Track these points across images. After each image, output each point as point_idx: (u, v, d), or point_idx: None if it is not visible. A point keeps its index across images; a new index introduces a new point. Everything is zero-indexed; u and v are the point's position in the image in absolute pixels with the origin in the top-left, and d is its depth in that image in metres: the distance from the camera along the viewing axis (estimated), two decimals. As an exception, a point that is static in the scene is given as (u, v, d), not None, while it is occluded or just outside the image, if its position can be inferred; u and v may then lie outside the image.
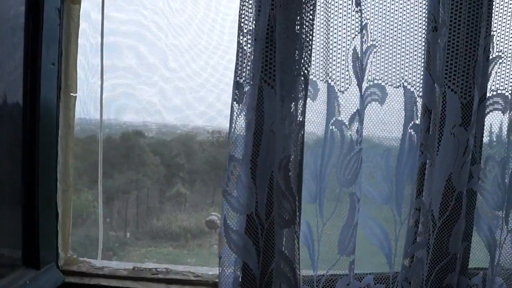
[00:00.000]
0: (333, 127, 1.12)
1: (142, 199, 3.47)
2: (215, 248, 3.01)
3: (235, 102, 1.05)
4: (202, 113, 2.99)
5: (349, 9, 1.06)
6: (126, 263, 1.27)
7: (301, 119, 1.05)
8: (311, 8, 1.04)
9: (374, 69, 1.13)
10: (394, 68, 1.14)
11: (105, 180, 3.12)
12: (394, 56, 1.14)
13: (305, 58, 1.04)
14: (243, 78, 1.04)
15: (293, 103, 1.04)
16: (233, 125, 1.05)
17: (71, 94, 1.20)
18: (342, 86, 1.09)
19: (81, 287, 1.18)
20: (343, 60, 1.11)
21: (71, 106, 1.21)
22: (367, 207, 1.16)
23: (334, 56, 1.09)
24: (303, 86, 1.05)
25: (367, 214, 1.17)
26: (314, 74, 1.09)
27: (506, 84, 1.18)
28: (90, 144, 3.15)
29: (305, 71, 1.06)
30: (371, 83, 1.15)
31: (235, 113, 1.04)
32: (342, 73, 1.09)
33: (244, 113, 1.04)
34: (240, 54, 1.04)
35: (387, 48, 1.13)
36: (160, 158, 3.48)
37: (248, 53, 1.04)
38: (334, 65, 1.10)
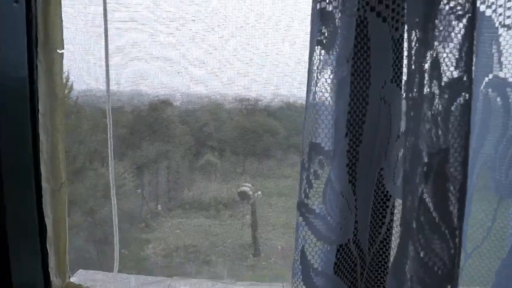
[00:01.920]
0: (489, 89, 0.70)
1: (172, 169, 3.43)
2: (247, 218, 2.97)
3: (319, 47, 0.63)
4: (230, 80, 2.91)
5: None
6: (154, 278, 0.99)
7: (459, 76, 0.55)
8: None
9: None
10: None
11: (133, 152, 3.08)
12: None
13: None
14: (332, 3, 0.62)
15: (439, 44, 0.55)
16: (312, 88, 0.63)
17: (57, 50, 0.86)
18: (508, 17, 0.63)
19: None
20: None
21: (56, 69, 0.86)
22: None
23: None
24: (456, 14, 0.55)
25: None
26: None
27: None
28: (118, 115, 3.11)
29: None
30: None
31: (315, 66, 0.62)
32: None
33: (332, 66, 0.64)
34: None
35: None
36: (188, 127, 3.42)
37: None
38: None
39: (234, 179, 3.33)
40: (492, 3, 0.66)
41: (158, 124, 3.17)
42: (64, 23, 0.94)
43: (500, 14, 0.64)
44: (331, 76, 0.63)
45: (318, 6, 0.56)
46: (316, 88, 0.62)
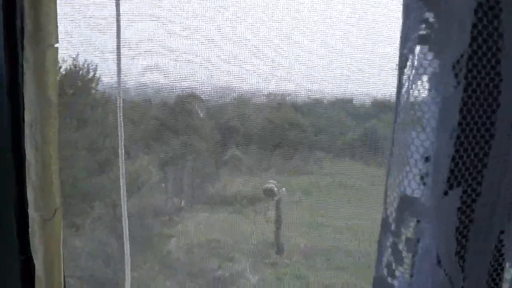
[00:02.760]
0: None
1: (197, 163, 3.42)
2: (270, 214, 2.93)
3: (415, 46, 0.43)
4: (256, 74, 2.87)
5: None
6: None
7: None
8: None
9: None
10: None
11: (159, 145, 3.08)
12: None
13: None
14: None
15: None
16: (400, 114, 0.45)
17: (50, 44, 0.67)
18: None
19: None
20: None
21: (49, 66, 0.65)
22: None
23: None
24: None
25: None
26: None
27: None
28: (145, 108, 3.11)
29: None
30: None
31: (405, 75, 0.44)
32: None
33: (435, 76, 0.43)
34: None
35: None
36: (214, 121, 3.40)
37: None
38: None
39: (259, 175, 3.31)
40: None
41: (184, 118, 3.17)
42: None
43: None
44: (432, 92, 0.43)
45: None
46: (409, 111, 0.44)
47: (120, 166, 1.16)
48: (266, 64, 2.49)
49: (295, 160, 2.94)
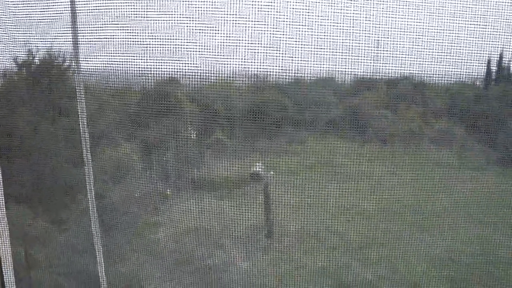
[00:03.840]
0: None
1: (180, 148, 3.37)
2: (259, 198, 2.90)
3: None
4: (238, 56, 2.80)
5: None
6: None
7: None
8: None
9: None
10: None
11: (142, 131, 3.01)
12: None
13: None
14: None
15: None
16: None
17: None
18: None
19: None
20: None
21: None
22: None
23: None
24: None
25: None
26: None
27: None
28: (125, 94, 3.03)
29: None
30: None
31: None
32: None
33: None
34: None
35: None
36: (196, 104, 3.34)
37: None
38: None
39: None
40: None
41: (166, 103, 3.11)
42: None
43: None
44: None
45: None
46: None
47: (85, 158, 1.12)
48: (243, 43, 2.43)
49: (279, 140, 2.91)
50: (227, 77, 2.97)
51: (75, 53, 1.15)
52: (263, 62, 2.54)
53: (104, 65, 2.53)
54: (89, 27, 2.24)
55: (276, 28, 2.34)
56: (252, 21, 2.38)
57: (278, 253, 2.71)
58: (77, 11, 1.12)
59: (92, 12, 2.17)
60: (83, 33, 2.24)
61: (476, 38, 2.17)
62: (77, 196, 2.77)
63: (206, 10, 2.36)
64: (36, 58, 2.59)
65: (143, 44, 2.53)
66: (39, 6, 2.24)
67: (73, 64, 2.54)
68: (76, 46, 1.15)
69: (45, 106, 2.73)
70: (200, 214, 2.86)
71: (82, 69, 2.58)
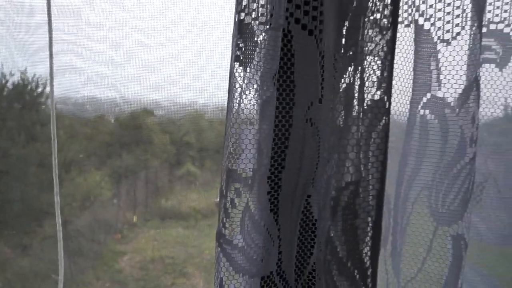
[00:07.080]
0: (426, 111, 0.61)
1: (150, 178, 3.40)
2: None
3: (237, 64, 0.54)
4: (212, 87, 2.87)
5: None
6: None
7: (379, 99, 0.53)
8: None
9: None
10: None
11: (113, 160, 3.04)
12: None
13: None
14: (252, 14, 0.52)
15: (355, 65, 0.51)
16: (233, 109, 0.55)
17: None
18: (448, 31, 0.60)
19: None
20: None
21: None
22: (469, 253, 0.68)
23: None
24: (379, 28, 0.51)
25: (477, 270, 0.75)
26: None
27: None
28: (99, 123, 3.07)
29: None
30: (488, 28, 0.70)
31: (237, 84, 0.54)
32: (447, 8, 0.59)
33: (255, 84, 0.56)
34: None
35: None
36: (168, 137, 3.40)
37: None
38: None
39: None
40: (431, 16, 0.62)
41: (138, 133, 3.15)
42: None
43: (439, 28, 0.60)
44: (255, 96, 0.55)
45: (236, 18, 0.49)
46: (238, 109, 0.55)
47: (54, 178, 1.19)
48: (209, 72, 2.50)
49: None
50: (199, 109, 3.03)
51: (50, 79, 1.20)
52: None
53: (78, 93, 2.58)
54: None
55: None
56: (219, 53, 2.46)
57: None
58: (53, 38, 1.18)
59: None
60: (58, 59, 2.30)
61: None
62: (44, 221, 2.76)
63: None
64: (8, 83, 2.62)
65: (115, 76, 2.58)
66: (16, 30, 2.29)
67: (47, 89, 2.59)
68: (52, 72, 1.21)
69: (17, 131, 2.75)
70: (165, 243, 2.88)
71: (55, 95, 2.62)
